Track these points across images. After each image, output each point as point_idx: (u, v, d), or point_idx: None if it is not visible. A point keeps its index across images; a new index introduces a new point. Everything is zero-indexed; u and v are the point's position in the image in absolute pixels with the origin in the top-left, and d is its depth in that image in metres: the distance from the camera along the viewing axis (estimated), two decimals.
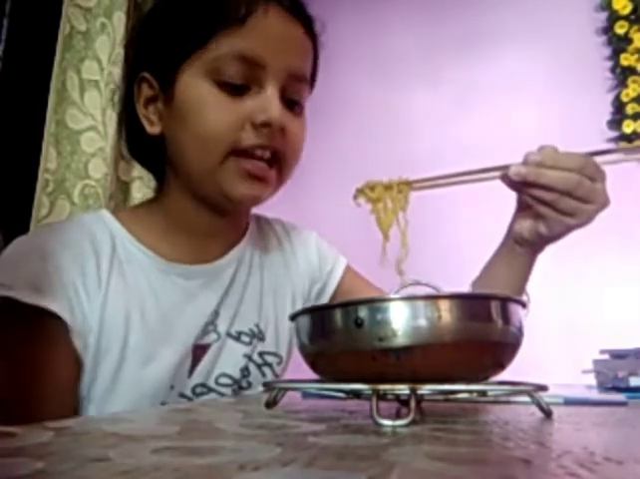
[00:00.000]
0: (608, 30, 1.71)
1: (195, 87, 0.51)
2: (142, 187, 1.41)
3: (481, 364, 0.32)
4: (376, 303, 0.31)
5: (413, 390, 0.29)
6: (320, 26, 0.58)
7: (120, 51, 1.32)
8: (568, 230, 0.54)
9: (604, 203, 0.52)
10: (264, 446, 0.21)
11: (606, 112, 1.69)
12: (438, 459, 0.18)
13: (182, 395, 0.55)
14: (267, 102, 0.51)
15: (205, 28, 0.51)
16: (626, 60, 1.66)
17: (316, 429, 0.26)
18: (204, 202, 0.56)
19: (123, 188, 1.41)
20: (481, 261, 0.66)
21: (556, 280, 1.51)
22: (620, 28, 1.68)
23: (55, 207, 1.21)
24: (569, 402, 0.42)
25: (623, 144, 1.64)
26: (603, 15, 1.73)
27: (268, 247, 0.69)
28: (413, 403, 0.28)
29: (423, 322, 0.30)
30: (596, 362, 0.64)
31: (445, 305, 0.30)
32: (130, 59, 0.61)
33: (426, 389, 0.29)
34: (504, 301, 0.32)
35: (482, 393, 0.36)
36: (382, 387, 0.29)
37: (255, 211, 0.69)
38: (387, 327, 0.30)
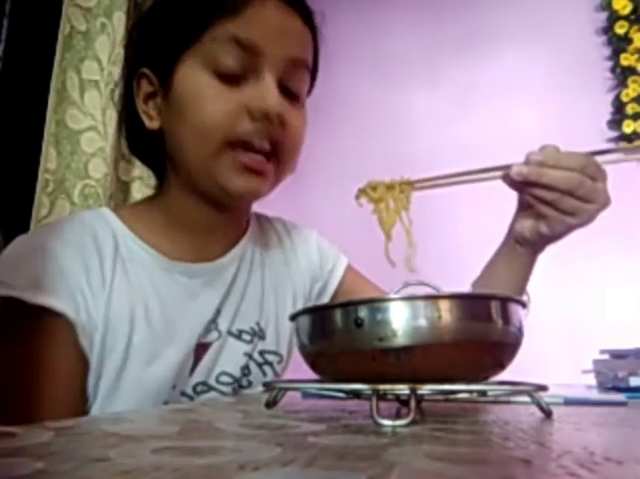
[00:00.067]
0: (608, 30, 1.71)
1: (193, 78, 0.51)
2: (142, 187, 1.41)
3: (481, 364, 0.32)
4: (376, 303, 0.31)
5: (413, 390, 0.29)
6: (320, 18, 0.58)
7: (120, 51, 1.32)
8: (569, 229, 0.54)
9: (605, 202, 0.52)
10: (264, 446, 0.21)
11: (606, 112, 1.69)
12: (438, 459, 0.18)
13: (184, 394, 0.55)
14: (264, 90, 0.50)
15: (202, 19, 0.51)
16: (626, 60, 1.66)
17: (316, 429, 0.26)
18: (204, 197, 0.56)
19: (123, 188, 1.41)
20: (482, 261, 0.66)
21: (557, 280, 1.51)
22: (620, 28, 1.68)
23: (55, 207, 1.21)
24: (569, 402, 0.42)
25: (623, 144, 1.64)
26: (603, 15, 1.73)
27: (269, 245, 0.69)
28: (413, 403, 0.28)
29: (423, 322, 0.30)
30: (596, 362, 0.64)
31: (445, 305, 0.30)
32: (129, 57, 0.61)
33: (426, 389, 0.29)
34: (504, 301, 0.32)
35: (483, 393, 0.36)
36: (382, 387, 0.29)
37: (256, 209, 0.69)
38: (387, 327, 0.30)
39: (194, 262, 0.58)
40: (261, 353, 0.62)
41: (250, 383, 0.61)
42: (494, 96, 1.85)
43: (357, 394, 0.35)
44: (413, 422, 0.27)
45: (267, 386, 0.35)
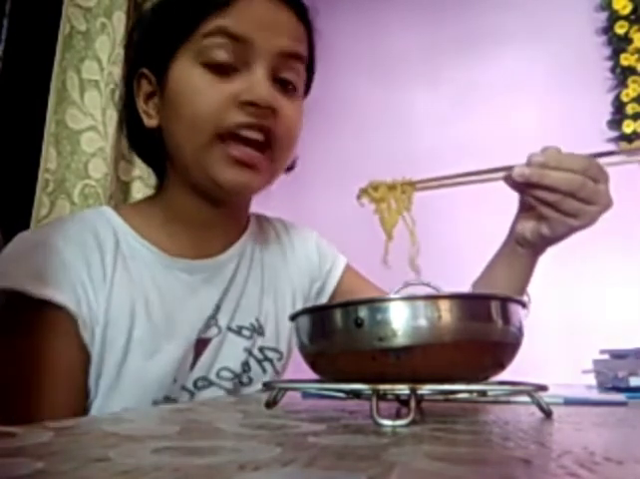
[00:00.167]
0: (608, 30, 1.71)
1: (186, 74, 0.52)
2: (142, 187, 1.41)
3: (481, 364, 0.32)
4: (376, 303, 0.31)
5: (413, 390, 0.29)
6: (314, 13, 0.58)
7: (120, 51, 1.32)
8: (571, 231, 0.54)
9: (607, 204, 0.51)
10: (264, 446, 0.21)
11: (606, 112, 1.69)
12: (438, 459, 0.18)
13: (184, 388, 0.56)
14: (254, 81, 0.51)
15: (193, 15, 0.52)
16: (626, 60, 1.66)
17: (316, 429, 0.26)
18: (202, 193, 0.57)
19: (123, 188, 1.40)
20: (483, 262, 0.66)
21: (557, 280, 1.51)
22: (620, 28, 1.68)
23: (55, 206, 1.21)
24: (569, 402, 0.42)
25: (623, 144, 1.65)
26: (603, 15, 1.73)
27: (268, 244, 0.70)
28: (413, 403, 0.28)
29: (423, 322, 0.30)
30: (596, 362, 0.64)
31: (445, 305, 0.30)
32: (129, 58, 0.62)
33: (426, 389, 0.29)
34: (505, 301, 0.32)
35: (483, 393, 0.36)
36: (382, 387, 0.29)
37: (256, 209, 0.69)
38: (387, 327, 0.30)
39: (194, 259, 0.59)
40: (261, 349, 0.62)
41: (251, 380, 0.61)
42: (494, 96, 1.85)
43: (357, 394, 0.35)
44: (413, 422, 0.27)
45: (267, 386, 0.35)
